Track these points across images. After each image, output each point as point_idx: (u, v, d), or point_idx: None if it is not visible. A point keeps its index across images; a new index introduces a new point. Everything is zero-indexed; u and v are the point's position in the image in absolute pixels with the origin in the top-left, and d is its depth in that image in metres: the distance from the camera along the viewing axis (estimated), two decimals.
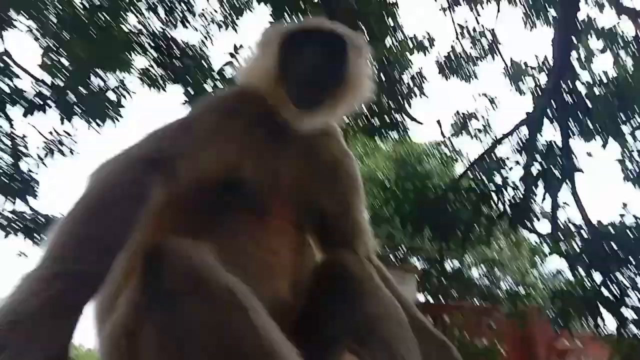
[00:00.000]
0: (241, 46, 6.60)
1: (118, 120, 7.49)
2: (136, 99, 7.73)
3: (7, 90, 6.86)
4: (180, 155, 1.40)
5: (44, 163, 7.64)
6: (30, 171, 7.51)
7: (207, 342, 1.11)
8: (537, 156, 6.41)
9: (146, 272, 1.19)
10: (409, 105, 7.81)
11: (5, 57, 6.92)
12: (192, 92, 7.49)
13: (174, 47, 7.42)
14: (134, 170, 1.32)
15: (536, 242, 7.03)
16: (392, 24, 7.11)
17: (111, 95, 7.56)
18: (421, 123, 8.11)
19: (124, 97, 7.59)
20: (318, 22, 1.70)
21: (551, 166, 6.29)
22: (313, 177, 1.71)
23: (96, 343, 1.39)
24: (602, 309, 5.78)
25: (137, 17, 7.33)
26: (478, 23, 8.26)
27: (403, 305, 1.55)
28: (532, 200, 6.64)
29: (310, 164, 1.71)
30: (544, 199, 6.48)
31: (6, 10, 6.52)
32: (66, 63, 7.15)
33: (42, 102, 6.93)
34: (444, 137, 9.24)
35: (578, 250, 6.28)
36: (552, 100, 5.58)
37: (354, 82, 1.66)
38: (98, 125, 7.45)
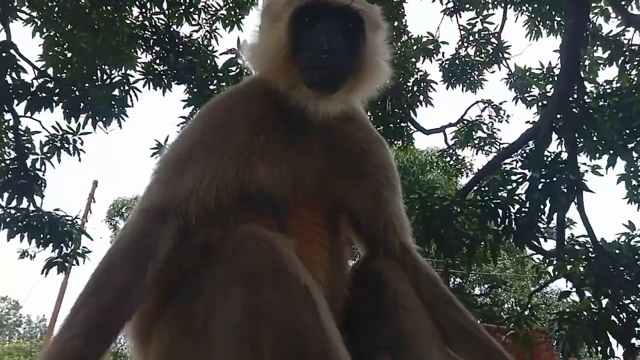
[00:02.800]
0: (245, 41, 6.43)
1: (124, 120, 7.36)
2: (140, 102, 7.56)
3: (13, 83, 6.61)
4: (188, 194, 1.37)
5: (49, 161, 7.27)
6: (37, 169, 7.19)
7: (279, 327, 1.18)
8: (543, 170, 6.16)
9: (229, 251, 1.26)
10: (414, 113, 7.67)
11: (12, 51, 6.72)
12: (195, 91, 7.39)
13: (178, 43, 7.28)
14: (142, 229, 1.34)
15: (539, 260, 6.75)
16: (398, 25, 6.96)
17: (117, 94, 7.32)
18: (427, 132, 7.96)
19: (130, 95, 7.41)
20: None
21: (557, 181, 6.04)
22: (338, 172, 1.58)
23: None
24: (610, 337, 5.46)
25: (140, 10, 7.20)
26: (483, 27, 8.11)
27: (454, 307, 1.57)
28: (539, 218, 6.37)
29: (334, 156, 1.58)
30: (549, 216, 6.22)
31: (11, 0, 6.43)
32: (69, 56, 7.02)
33: (45, 95, 6.78)
34: (448, 146, 9.08)
35: (584, 271, 5.98)
36: (558, 112, 5.36)
37: (372, 63, 1.54)
38: (104, 124, 7.29)
